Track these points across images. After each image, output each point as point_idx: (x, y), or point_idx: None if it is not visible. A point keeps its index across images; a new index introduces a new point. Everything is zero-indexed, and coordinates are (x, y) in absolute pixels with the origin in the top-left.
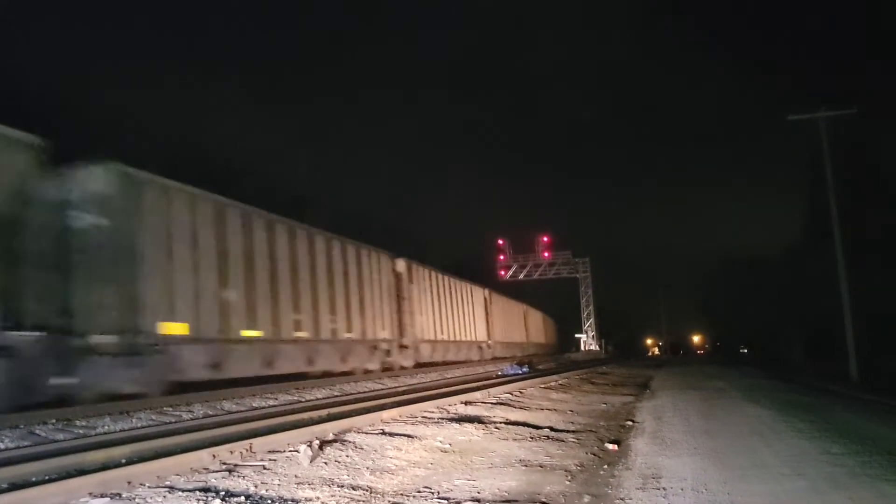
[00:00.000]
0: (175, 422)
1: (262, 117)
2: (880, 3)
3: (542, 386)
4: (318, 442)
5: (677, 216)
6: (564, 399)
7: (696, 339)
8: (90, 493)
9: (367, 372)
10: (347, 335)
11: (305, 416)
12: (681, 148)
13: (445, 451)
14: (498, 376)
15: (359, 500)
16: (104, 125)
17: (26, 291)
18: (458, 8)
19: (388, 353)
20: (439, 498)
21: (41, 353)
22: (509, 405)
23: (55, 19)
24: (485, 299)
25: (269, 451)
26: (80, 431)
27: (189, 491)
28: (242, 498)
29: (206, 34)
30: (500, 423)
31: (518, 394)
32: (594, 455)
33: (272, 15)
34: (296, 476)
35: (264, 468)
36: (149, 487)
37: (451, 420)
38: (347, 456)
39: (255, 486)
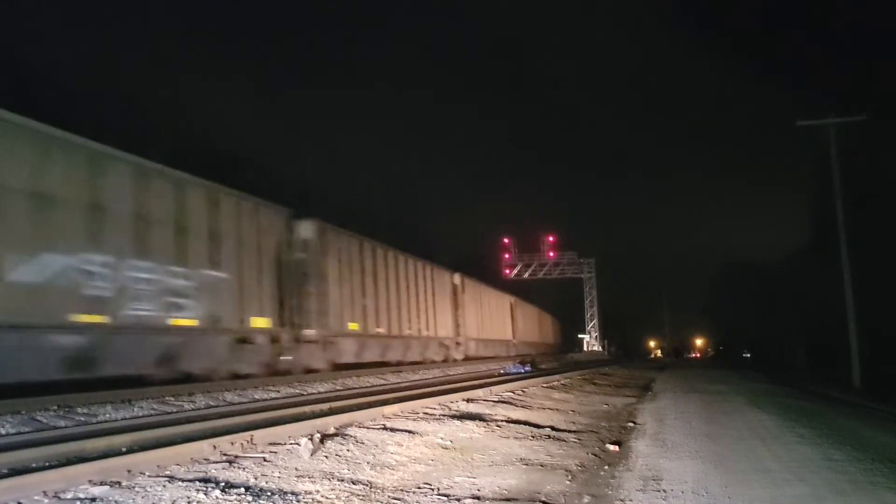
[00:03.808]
0: (176, 411)
1: (265, 110)
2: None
3: (545, 385)
4: (319, 435)
5: (682, 218)
6: (566, 399)
7: (699, 342)
8: (90, 481)
9: (433, 362)
10: (426, 333)
11: (307, 409)
12: (687, 151)
13: (446, 448)
14: (500, 375)
15: (358, 495)
16: (110, 117)
17: (285, 305)
18: (471, 6)
19: (448, 348)
20: (439, 494)
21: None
22: (511, 403)
23: (56, 14)
24: (511, 305)
25: (270, 444)
26: (82, 419)
27: (189, 481)
28: (242, 489)
29: (211, 26)
30: (502, 421)
31: (520, 392)
32: (595, 455)
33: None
34: (296, 469)
35: (265, 460)
36: (149, 476)
37: (453, 417)
38: (348, 450)
39: (256, 478)
